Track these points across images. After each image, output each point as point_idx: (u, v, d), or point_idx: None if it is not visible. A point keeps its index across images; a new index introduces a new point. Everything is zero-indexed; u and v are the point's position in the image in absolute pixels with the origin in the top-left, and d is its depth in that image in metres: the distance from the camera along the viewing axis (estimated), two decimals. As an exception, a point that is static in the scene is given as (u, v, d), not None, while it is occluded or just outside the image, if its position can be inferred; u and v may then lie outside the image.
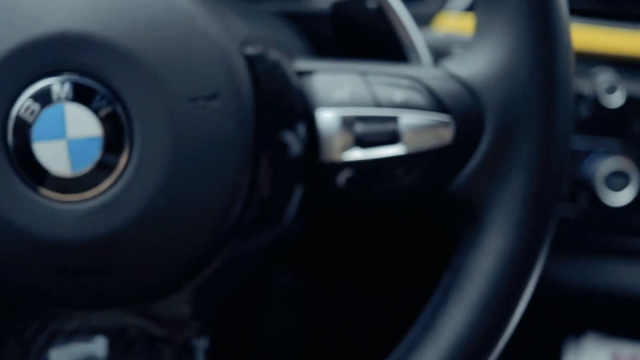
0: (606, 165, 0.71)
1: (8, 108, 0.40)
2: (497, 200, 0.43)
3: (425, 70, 0.44)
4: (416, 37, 0.48)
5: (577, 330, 0.84)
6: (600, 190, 0.71)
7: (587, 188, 0.72)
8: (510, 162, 0.42)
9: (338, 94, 0.43)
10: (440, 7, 0.73)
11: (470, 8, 0.72)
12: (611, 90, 0.70)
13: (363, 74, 0.43)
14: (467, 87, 0.43)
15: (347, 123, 0.43)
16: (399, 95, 0.43)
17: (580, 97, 0.72)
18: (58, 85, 0.40)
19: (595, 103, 0.71)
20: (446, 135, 0.43)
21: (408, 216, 0.72)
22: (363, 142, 0.43)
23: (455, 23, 0.72)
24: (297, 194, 0.44)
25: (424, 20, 0.72)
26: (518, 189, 0.42)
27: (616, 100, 0.70)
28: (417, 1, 0.77)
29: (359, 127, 0.43)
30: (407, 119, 0.43)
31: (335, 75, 0.44)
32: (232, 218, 0.42)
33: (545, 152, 0.42)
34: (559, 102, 0.42)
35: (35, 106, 0.40)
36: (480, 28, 0.44)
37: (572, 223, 0.75)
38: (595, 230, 0.76)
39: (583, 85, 0.72)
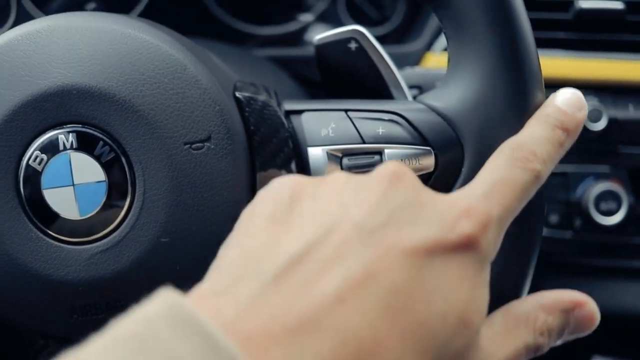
0: (597, 187, 0.73)
1: (19, 158, 0.43)
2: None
3: (405, 105, 0.47)
4: (396, 74, 0.51)
5: (584, 356, 0.85)
6: (593, 212, 0.73)
7: (580, 211, 0.74)
8: None
9: (325, 131, 0.46)
10: (427, 47, 0.76)
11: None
12: (595, 115, 0.72)
13: (347, 110, 0.46)
14: (445, 118, 0.45)
15: (335, 158, 0.46)
16: (381, 130, 0.45)
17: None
18: (63, 136, 0.43)
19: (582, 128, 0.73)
20: (428, 163, 0.45)
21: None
22: (351, 174, 0.45)
23: (440, 61, 0.75)
24: None
25: (411, 60, 0.75)
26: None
27: (601, 124, 0.72)
28: (405, 42, 0.80)
29: (346, 161, 0.45)
30: (390, 151, 0.45)
31: (321, 113, 0.47)
32: None
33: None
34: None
35: (44, 156, 0.43)
36: (453, 60, 0.46)
37: (569, 245, 0.76)
38: (592, 252, 0.77)
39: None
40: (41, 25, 0.45)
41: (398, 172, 0.36)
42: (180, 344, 0.28)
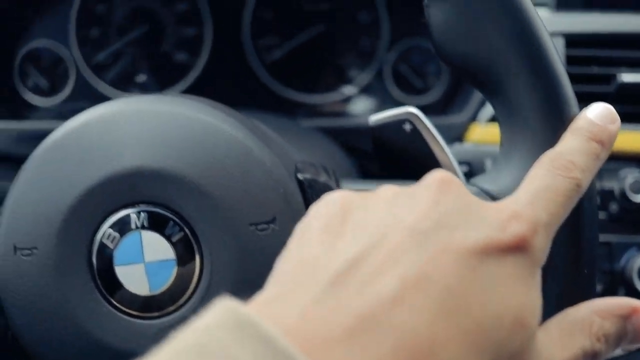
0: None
1: (92, 236, 0.45)
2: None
3: (460, 188, 0.48)
4: (449, 156, 0.53)
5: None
6: (636, 282, 0.73)
7: (624, 281, 0.74)
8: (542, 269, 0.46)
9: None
10: (472, 118, 0.78)
11: (495, 118, 0.77)
12: (638, 187, 0.73)
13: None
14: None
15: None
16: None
17: (609, 195, 0.75)
18: (135, 215, 0.45)
19: (624, 199, 0.74)
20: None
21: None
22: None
23: (485, 134, 0.77)
24: None
25: (457, 131, 0.77)
26: (551, 294, 0.45)
27: (643, 195, 0.73)
28: (450, 113, 0.82)
29: None
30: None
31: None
32: None
33: (575, 257, 0.46)
34: (585, 210, 0.46)
35: (116, 234, 0.45)
36: (505, 145, 0.47)
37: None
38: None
39: (611, 183, 0.75)
40: (112, 108, 0.47)
41: (445, 179, 0.37)
42: (240, 349, 0.28)
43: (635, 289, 0.73)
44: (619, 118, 0.44)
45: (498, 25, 0.45)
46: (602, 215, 0.74)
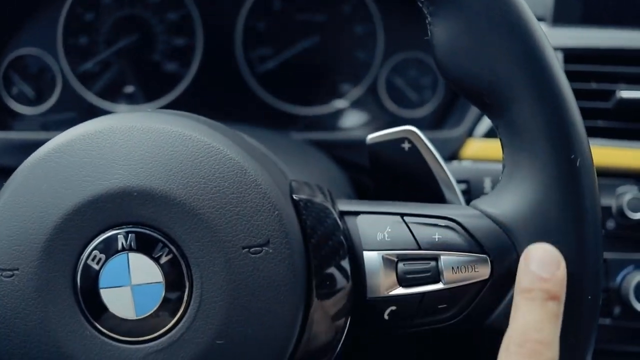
0: (637, 276, 0.73)
1: (77, 257, 0.44)
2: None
3: (460, 210, 0.47)
4: (448, 175, 0.51)
5: None
6: (632, 300, 0.73)
7: (620, 299, 0.74)
8: None
9: (380, 235, 0.46)
10: (469, 132, 0.77)
11: (491, 133, 0.76)
12: (635, 204, 0.72)
13: (403, 215, 0.47)
14: (501, 225, 0.45)
15: (390, 262, 0.46)
16: (437, 236, 0.46)
17: (606, 211, 0.74)
18: (122, 236, 0.43)
19: (621, 216, 0.73)
20: (484, 271, 0.45)
21: (449, 344, 0.74)
22: (405, 280, 0.46)
23: (482, 149, 0.76)
24: (345, 327, 0.47)
25: (453, 145, 0.76)
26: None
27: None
28: (446, 127, 0.81)
29: (402, 266, 0.46)
30: (446, 258, 0.45)
31: (376, 216, 0.47)
32: (286, 355, 0.44)
33: (579, 283, 0.44)
34: (588, 236, 0.44)
35: (102, 255, 0.43)
36: (508, 167, 0.46)
37: (608, 332, 0.76)
38: (631, 339, 0.77)
39: (608, 200, 0.74)
40: (102, 125, 0.45)
41: None
42: None
43: (632, 308, 0.73)
44: (562, 258, 0.43)
45: (503, 45, 0.44)
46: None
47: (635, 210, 0.73)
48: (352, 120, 0.87)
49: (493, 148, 0.74)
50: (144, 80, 0.86)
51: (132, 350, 0.43)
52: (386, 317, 0.46)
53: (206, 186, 0.44)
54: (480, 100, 0.46)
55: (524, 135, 0.45)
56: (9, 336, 0.44)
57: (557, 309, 0.41)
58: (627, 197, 0.73)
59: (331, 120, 0.87)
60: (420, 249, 0.46)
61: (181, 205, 0.43)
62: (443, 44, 0.45)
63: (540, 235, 0.44)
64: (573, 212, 0.44)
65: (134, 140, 0.45)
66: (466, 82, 0.45)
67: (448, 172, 0.51)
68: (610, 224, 0.74)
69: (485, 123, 0.77)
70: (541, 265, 0.42)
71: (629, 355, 0.79)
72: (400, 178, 0.52)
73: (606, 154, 0.76)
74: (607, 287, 0.74)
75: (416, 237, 0.46)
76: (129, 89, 0.86)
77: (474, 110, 0.78)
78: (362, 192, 0.70)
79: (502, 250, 0.45)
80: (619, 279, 0.74)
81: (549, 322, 0.41)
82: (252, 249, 0.43)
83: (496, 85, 0.44)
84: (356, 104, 0.87)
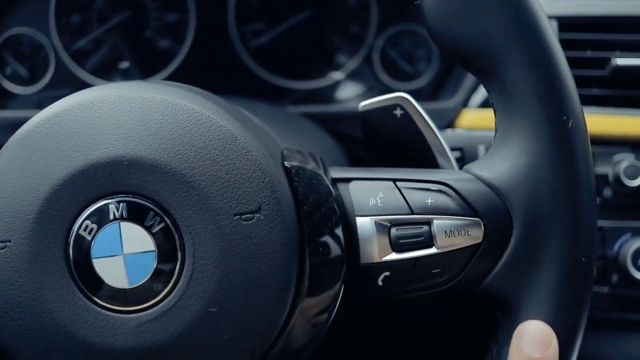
0: (634, 243, 0.73)
1: (69, 227, 0.43)
2: (530, 293, 0.44)
3: (453, 175, 0.47)
4: (441, 141, 0.51)
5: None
6: (630, 268, 0.73)
7: (617, 266, 0.74)
8: (539, 257, 0.44)
9: (373, 200, 0.46)
10: (463, 103, 0.77)
11: (486, 103, 0.76)
12: (632, 171, 0.72)
13: (395, 180, 0.46)
14: (494, 189, 0.45)
15: (383, 228, 0.46)
16: (430, 200, 0.45)
17: (602, 179, 0.74)
18: (113, 205, 0.43)
19: (618, 184, 0.73)
20: (477, 235, 0.45)
21: (444, 308, 0.74)
22: (399, 245, 0.45)
23: (477, 119, 0.75)
24: (338, 294, 0.47)
25: (448, 116, 0.75)
26: (549, 281, 0.44)
27: (637, 181, 0.72)
28: (441, 98, 0.80)
29: (395, 231, 0.45)
30: (439, 222, 0.45)
31: (369, 182, 0.47)
32: (279, 322, 0.44)
33: (573, 245, 0.44)
34: (582, 197, 0.44)
35: (93, 225, 0.43)
36: (501, 131, 0.46)
37: (605, 301, 0.76)
38: (629, 307, 0.77)
39: (605, 168, 0.74)
40: (92, 95, 0.45)
41: None
42: None
43: (629, 275, 0.73)
44: (554, 336, 0.43)
45: (494, 7, 0.43)
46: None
47: (631, 178, 0.72)
48: (347, 93, 0.87)
49: (488, 118, 0.74)
50: (137, 57, 0.86)
51: (126, 319, 0.43)
52: (380, 283, 0.46)
53: (196, 154, 0.44)
54: (472, 64, 0.46)
55: (515, 98, 0.44)
56: (3, 308, 0.44)
57: None
58: (623, 165, 0.73)
59: (326, 94, 0.86)
60: (412, 213, 0.45)
61: (172, 174, 0.43)
62: (433, 7, 0.45)
63: (533, 200, 0.44)
64: (566, 174, 0.44)
65: (123, 110, 0.44)
66: (457, 45, 0.45)
67: (441, 138, 0.50)
68: (607, 192, 0.74)
69: (480, 94, 0.77)
70: (532, 345, 0.43)
71: (628, 323, 0.79)
72: (393, 145, 0.52)
73: (602, 122, 0.75)
74: (605, 255, 0.74)
75: (409, 202, 0.46)
76: (124, 64, 0.85)
77: (468, 81, 0.77)
78: (357, 164, 0.69)
79: (495, 214, 0.45)
80: (616, 246, 0.74)
81: None
82: (244, 216, 0.43)
83: (487, 48, 0.44)
84: (351, 77, 0.87)
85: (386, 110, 0.51)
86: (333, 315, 0.47)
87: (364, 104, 0.52)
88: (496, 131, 0.46)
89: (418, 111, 0.51)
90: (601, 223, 0.74)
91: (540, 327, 0.43)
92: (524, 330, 0.44)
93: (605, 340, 0.79)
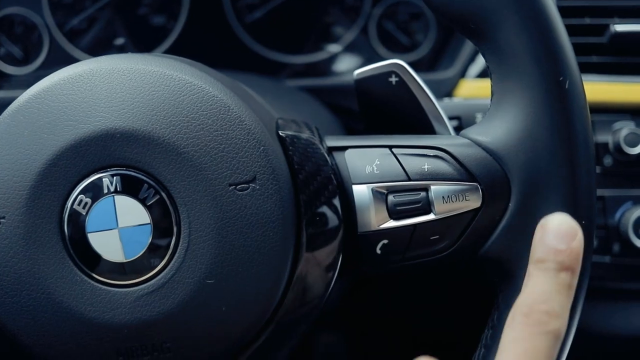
0: (636, 212, 0.72)
1: (63, 202, 0.43)
2: (529, 257, 0.44)
3: (449, 140, 0.46)
4: (437, 107, 0.50)
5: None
6: (632, 236, 0.72)
7: (619, 235, 0.73)
8: (539, 220, 0.44)
9: (369, 168, 0.46)
10: (461, 74, 0.76)
11: (484, 74, 0.75)
12: (632, 139, 0.72)
13: (391, 147, 0.46)
14: (491, 153, 0.45)
15: (380, 195, 0.45)
16: (427, 166, 0.45)
17: (603, 148, 0.73)
18: (107, 179, 0.43)
19: (618, 152, 0.72)
20: (475, 199, 0.45)
21: (444, 275, 0.74)
22: (396, 212, 0.45)
23: (474, 89, 0.75)
24: (337, 264, 0.46)
25: (446, 87, 0.74)
26: None
27: (638, 149, 0.71)
28: (438, 69, 0.80)
29: (392, 198, 0.45)
30: (437, 188, 0.45)
31: (364, 150, 0.46)
32: (278, 293, 0.44)
33: (572, 209, 0.44)
34: (580, 159, 0.44)
35: (88, 200, 0.43)
36: (496, 94, 0.46)
37: (607, 270, 0.75)
38: (631, 276, 0.76)
39: (605, 136, 0.73)
40: (83, 68, 0.45)
41: None
42: None
43: (631, 244, 0.72)
44: (580, 229, 0.41)
45: None
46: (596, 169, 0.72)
47: (632, 145, 0.72)
48: (344, 66, 0.86)
49: (486, 88, 0.72)
50: (132, 34, 0.85)
51: (123, 293, 0.43)
52: (378, 251, 0.46)
53: (189, 124, 0.43)
54: (466, 27, 0.45)
55: (510, 60, 0.44)
56: None
57: (570, 280, 0.40)
58: (624, 132, 0.72)
59: (322, 67, 0.86)
60: (409, 179, 0.45)
61: (165, 145, 0.43)
62: None
63: (531, 162, 0.44)
64: (563, 135, 0.43)
65: (114, 82, 0.44)
66: (451, 7, 0.44)
67: (436, 103, 0.50)
68: (608, 161, 0.73)
69: (478, 64, 0.76)
70: (557, 237, 0.40)
71: (629, 292, 0.78)
72: (388, 113, 0.51)
73: (601, 89, 0.75)
74: (606, 224, 0.73)
75: (405, 168, 0.45)
76: (119, 41, 0.85)
77: (466, 52, 0.76)
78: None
79: (493, 178, 0.45)
80: (617, 215, 0.73)
81: (559, 294, 0.40)
82: (239, 186, 0.43)
83: (481, 9, 0.44)
84: (347, 50, 0.86)
85: (381, 77, 0.51)
86: (332, 286, 0.47)
87: (359, 71, 0.52)
88: (492, 94, 0.46)
89: (413, 78, 0.50)
90: (602, 192, 0.73)
91: (566, 220, 0.41)
92: (548, 222, 0.41)
93: (607, 310, 0.79)
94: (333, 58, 0.86)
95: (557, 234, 0.40)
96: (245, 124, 0.44)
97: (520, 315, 0.39)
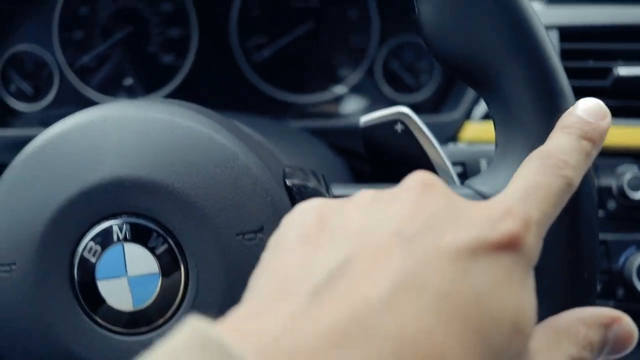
0: (639, 257, 0.72)
1: (73, 249, 0.44)
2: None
3: (454, 190, 0.47)
4: (442, 156, 0.51)
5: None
6: (635, 282, 0.72)
7: (622, 280, 0.73)
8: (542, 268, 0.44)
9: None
10: (466, 115, 0.77)
11: (489, 115, 0.76)
12: (635, 183, 0.72)
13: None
14: None
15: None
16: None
17: (606, 192, 0.73)
18: (117, 227, 0.43)
19: (622, 196, 0.73)
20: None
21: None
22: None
23: (480, 132, 0.75)
24: None
25: (451, 129, 0.75)
26: (553, 297, 0.44)
27: (640, 193, 0.72)
28: (443, 111, 0.80)
29: None
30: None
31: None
32: None
33: (575, 261, 0.44)
34: (583, 209, 0.44)
35: (98, 247, 0.43)
36: (501, 145, 0.46)
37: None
38: (635, 321, 0.76)
39: (608, 180, 0.74)
40: (94, 115, 0.45)
41: (427, 181, 0.35)
42: None
43: (635, 289, 0.72)
44: (609, 113, 0.42)
45: (490, 19, 0.43)
46: (599, 213, 0.73)
47: (636, 190, 0.72)
48: (350, 107, 0.87)
49: (491, 130, 0.73)
50: (141, 72, 0.86)
51: (131, 341, 0.43)
52: None
53: (198, 173, 0.44)
54: (470, 77, 0.45)
55: (514, 111, 0.44)
56: (9, 330, 0.44)
57: (590, 149, 0.41)
58: (627, 177, 0.72)
59: (328, 108, 0.87)
60: None
61: (173, 194, 0.43)
62: (429, 19, 0.45)
63: None
64: None
65: (125, 129, 0.45)
66: (454, 58, 0.45)
67: (442, 153, 0.51)
68: (611, 205, 0.74)
69: (483, 106, 0.77)
70: (587, 111, 0.42)
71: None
72: (395, 160, 0.52)
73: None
74: (610, 269, 0.73)
75: None
76: (128, 81, 0.86)
77: (471, 94, 0.77)
78: (361, 179, 0.69)
79: None
80: (621, 260, 0.73)
81: (578, 153, 0.40)
82: (246, 236, 0.43)
83: (484, 62, 0.44)
84: (353, 90, 0.87)
85: (387, 125, 0.51)
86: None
87: (365, 119, 0.52)
88: (496, 145, 0.46)
89: (418, 126, 0.51)
90: (605, 236, 0.73)
91: (599, 103, 0.42)
92: (581, 101, 0.42)
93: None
94: (339, 99, 0.87)
95: (588, 109, 0.42)
96: (252, 173, 0.44)
97: (537, 158, 0.39)
